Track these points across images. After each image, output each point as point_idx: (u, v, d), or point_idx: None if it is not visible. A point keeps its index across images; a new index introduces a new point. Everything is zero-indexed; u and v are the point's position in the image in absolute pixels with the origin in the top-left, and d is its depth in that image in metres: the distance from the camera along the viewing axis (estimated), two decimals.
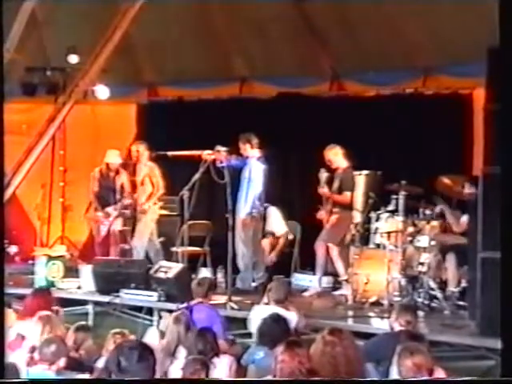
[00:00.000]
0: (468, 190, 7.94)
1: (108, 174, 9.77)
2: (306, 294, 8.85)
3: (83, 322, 6.81)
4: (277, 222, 9.90)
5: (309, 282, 9.28)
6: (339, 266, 8.83)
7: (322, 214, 8.98)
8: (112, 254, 9.79)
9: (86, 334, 6.46)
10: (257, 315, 6.66)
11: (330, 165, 8.86)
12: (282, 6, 10.30)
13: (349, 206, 8.83)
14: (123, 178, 9.73)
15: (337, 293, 8.81)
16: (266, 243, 9.68)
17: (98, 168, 9.85)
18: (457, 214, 8.24)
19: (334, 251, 8.80)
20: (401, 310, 6.16)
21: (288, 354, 4.63)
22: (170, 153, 9.58)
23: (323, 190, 8.76)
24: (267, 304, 6.89)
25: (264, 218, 9.58)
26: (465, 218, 8.01)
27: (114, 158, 9.75)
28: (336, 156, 8.80)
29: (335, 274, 9.12)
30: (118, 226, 9.79)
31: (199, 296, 6.97)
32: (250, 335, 6.88)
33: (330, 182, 8.89)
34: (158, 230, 9.91)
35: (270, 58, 10.82)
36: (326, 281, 9.15)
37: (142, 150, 9.70)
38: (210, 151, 8.51)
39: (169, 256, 9.23)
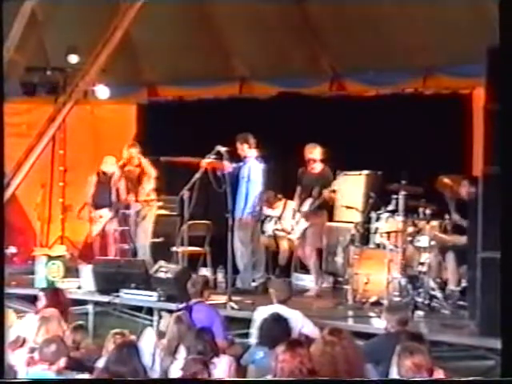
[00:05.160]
0: (466, 189, 7.94)
1: (104, 178, 9.96)
2: (308, 294, 8.86)
3: (80, 322, 6.82)
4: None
5: (309, 282, 9.29)
6: (312, 264, 8.89)
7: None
8: (109, 254, 9.82)
9: (84, 334, 6.47)
10: (261, 315, 6.65)
11: (311, 164, 8.78)
12: (282, 6, 10.30)
13: (325, 206, 8.82)
14: (120, 182, 9.80)
15: (307, 294, 8.78)
16: (266, 241, 9.71)
17: (94, 173, 10.09)
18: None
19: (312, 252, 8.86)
20: (389, 312, 6.18)
21: (289, 354, 4.64)
22: (163, 158, 9.66)
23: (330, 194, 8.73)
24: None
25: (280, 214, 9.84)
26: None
27: (109, 166, 9.96)
28: (320, 156, 8.76)
29: (335, 274, 9.14)
30: (114, 225, 9.84)
31: (195, 296, 6.97)
32: (247, 335, 6.88)
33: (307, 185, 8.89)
34: (158, 230, 9.92)
35: (270, 57, 10.82)
36: (326, 281, 9.17)
37: (134, 154, 9.72)
38: (208, 160, 8.50)
39: (168, 256, 9.23)
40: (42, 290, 7.55)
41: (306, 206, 8.82)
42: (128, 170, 9.73)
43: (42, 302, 7.12)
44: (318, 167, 8.78)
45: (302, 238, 8.92)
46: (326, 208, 8.88)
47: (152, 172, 9.66)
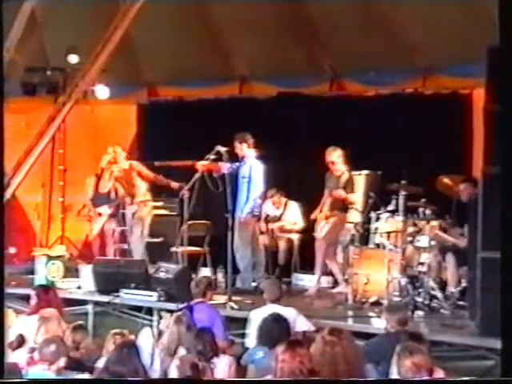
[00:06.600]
0: (468, 191, 7.94)
1: (103, 178, 9.94)
2: (307, 293, 8.85)
3: (80, 322, 6.82)
4: (295, 216, 9.93)
5: (309, 282, 9.30)
6: (334, 265, 8.88)
7: (316, 214, 9.02)
8: (108, 254, 9.84)
9: (84, 334, 6.47)
10: (256, 316, 6.67)
11: (331, 167, 8.86)
12: (282, 6, 10.29)
13: (345, 208, 8.83)
14: (115, 180, 9.82)
15: (335, 290, 8.83)
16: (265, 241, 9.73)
17: (93, 174, 10.14)
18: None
19: (338, 250, 8.83)
20: (389, 312, 6.18)
21: (289, 354, 4.63)
22: (157, 163, 9.69)
23: (339, 192, 8.72)
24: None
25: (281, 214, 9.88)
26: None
27: (107, 159, 9.95)
28: (338, 158, 8.81)
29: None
30: (112, 225, 9.85)
31: (197, 296, 6.98)
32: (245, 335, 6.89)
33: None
34: (158, 230, 9.93)
35: (269, 57, 10.81)
36: (326, 281, 9.17)
37: (119, 151, 9.76)
38: (204, 162, 8.51)
39: (168, 256, 9.23)
40: (34, 288, 7.52)
41: (326, 206, 8.84)
42: (119, 172, 9.73)
43: (34, 300, 7.12)
44: (339, 169, 8.80)
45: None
46: (344, 209, 8.86)
47: (143, 170, 9.68)
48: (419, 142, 9.62)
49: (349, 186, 8.74)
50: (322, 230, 8.89)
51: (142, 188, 9.79)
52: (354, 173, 9.19)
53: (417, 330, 6.38)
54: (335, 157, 8.80)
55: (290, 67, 10.73)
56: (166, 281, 8.20)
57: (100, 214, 10.02)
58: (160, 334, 6.80)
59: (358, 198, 8.92)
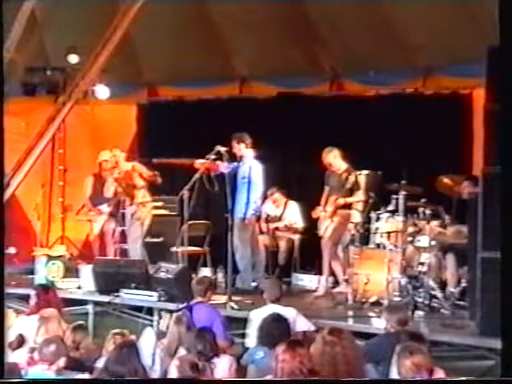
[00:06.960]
0: (468, 189, 7.94)
1: (101, 177, 9.97)
2: (316, 294, 8.84)
3: (80, 322, 6.82)
4: (295, 216, 9.94)
5: (309, 282, 9.29)
6: (336, 264, 8.87)
7: (318, 213, 9.01)
8: (108, 254, 9.84)
9: (84, 334, 6.48)
10: (256, 316, 6.67)
11: (329, 168, 8.86)
12: (282, 6, 10.29)
13: (349, 206, 8.83)
14: (114, 182, 9.84)
15: (335, 290, 8.83)
16: (266, 241, 9.73)
17: (91, 175, 10.18)
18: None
19: (338, 250, 8.86)
20: (389, 312, 6.19)
21: (289, 354, 4.64)
22: (155, 160, 9.70)
23: (346, 199, 8.69)
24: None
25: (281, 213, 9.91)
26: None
27: (105, 155, 9.97)
28: (335, 159, 8.81)
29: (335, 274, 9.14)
30: (112, 225, 9.86)
31: (198, 295, 6.99)
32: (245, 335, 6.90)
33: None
34: (158, 230, 9.93)
35: (269, 58, 10.81)
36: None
37: (118, 154, 9.78)
38: (202, 160, 8.52)
39: (168, 256, 9.23)
40: (34, 288, 7.52)
41: (329, 206, 8.83)
42: (119, 174, 9.76)
43: (33, 300, 7.13)
44: (339, 168, 8.79)
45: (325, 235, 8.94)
46: (348, 207, 8.86)
47: (144, 171, 9.70)
48: (419, 142, 9.63)
49: (355, 186, 8.71)
50: (327, 229, 8.87)
51: (141, 190, 9.78)
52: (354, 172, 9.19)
53: (417, 330, 6.38)
54: (331, 158, 8.80)
55: (290, 67, 10.73)
56: (166, 281, 8.20)
57: (101, 212, 10.01)
58: (163, 334, 6.78)
59: (358, 197, 8.92)
